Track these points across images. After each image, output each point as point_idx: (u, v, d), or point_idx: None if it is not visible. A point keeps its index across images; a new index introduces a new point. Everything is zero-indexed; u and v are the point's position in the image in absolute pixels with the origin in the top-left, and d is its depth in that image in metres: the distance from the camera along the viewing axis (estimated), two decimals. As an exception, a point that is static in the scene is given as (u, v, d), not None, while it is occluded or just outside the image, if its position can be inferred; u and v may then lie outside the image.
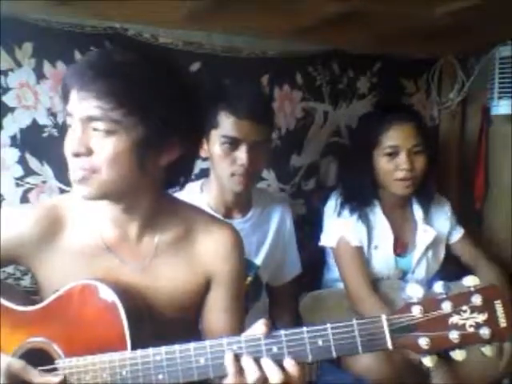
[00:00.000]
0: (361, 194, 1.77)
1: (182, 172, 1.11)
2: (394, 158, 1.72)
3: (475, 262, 1.86)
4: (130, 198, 1.04)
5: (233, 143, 1.47)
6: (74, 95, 0.95)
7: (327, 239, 1.79)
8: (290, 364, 0.84)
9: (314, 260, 1.90)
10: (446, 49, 2.20)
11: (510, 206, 2.14)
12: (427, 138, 1.79)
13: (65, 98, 0.98)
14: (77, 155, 0.95)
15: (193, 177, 1.28)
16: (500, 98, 2.00)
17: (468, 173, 2.27)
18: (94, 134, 0.95)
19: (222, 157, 1.49)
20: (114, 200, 1.04)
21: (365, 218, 1.76)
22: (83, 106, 0.94)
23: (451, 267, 1.89)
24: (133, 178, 0.99)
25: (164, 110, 0.96)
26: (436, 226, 1.85)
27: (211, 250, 1.12)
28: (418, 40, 1.99)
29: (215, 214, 1.49)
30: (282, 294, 1.83)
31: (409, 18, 1.74)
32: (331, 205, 1.82)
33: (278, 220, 1.73)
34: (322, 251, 1.81)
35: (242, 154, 1.47)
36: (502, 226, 2.20)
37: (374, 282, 1.75)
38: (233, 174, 1.50)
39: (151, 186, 1.06)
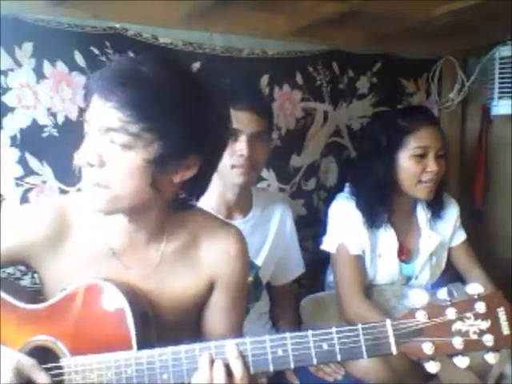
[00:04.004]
0: (375, 202, 1.70)
1: (198, 187, 1.08)
2: (422, 160, 1.66)
3: (469, 270, 1.80)
4: (139, 211, 1.02)
5: (232, 135, 1.45)
6: (94, 102, 0.92)
7: (328, 244, 1.75)
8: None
9: (314, 261, 1.90)
10: (446, 49, 2.21)
11: (509, 205, 2.15)
12: (446, 141, 1.76)
13: (86, 103, 0.95)
14: (89, 165, 0.93)
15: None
16: (500, 98, 2.00)
17: (468, 173, 2.28)
18: (110, 147, 0.92)
19: None
20: (123, 213, 1.02)
21: (371, 228, 1.71)
22: (102, 115, 0.91)
23: (452, 269, 1.87)
24: (144, 194, 0.96)
25: (185, 129, 0.92)
26: (441, 229, 1.81)
27: (216, 255, 1.11)
28: (418, 40, 2.01)
29: (219, 216, 1.50)
30: (284, 293, 1.83)
31: (409, 18, 1.75)
32: (336, 208, 1.76)
33: (279, 220, 1.72)
34: (322, 252, 1.80)
35: (241, 145, 1.47)
36: (502, 226, 2.21)
37: (377, 289, 1.74)
38: (233, 165, 1.49)
39: (162, 200, 1.03)
